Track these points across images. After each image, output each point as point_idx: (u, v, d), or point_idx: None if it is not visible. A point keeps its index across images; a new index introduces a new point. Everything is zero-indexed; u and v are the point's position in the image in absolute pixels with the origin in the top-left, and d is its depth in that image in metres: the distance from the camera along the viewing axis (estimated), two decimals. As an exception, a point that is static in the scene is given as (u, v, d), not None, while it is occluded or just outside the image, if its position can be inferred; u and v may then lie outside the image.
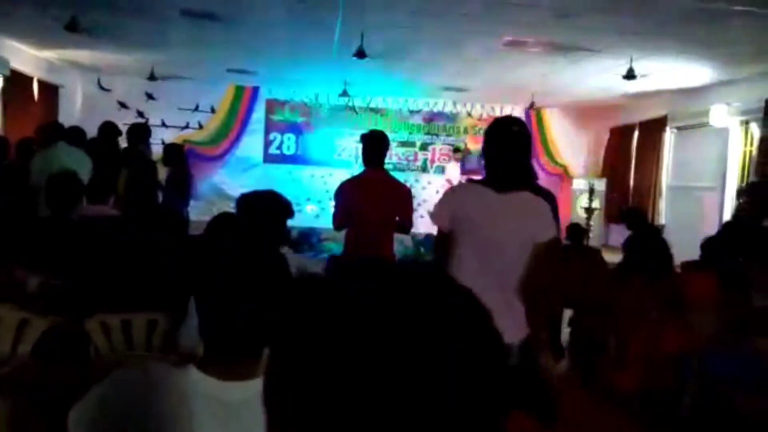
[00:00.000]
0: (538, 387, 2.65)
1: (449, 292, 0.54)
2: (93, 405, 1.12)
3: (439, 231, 2.42)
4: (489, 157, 2.36)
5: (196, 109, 10.57)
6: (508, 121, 2.43)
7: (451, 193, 2.56)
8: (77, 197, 3.03)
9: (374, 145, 3.85)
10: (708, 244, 4.21)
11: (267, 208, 2.16)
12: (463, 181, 8.11)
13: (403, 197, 3.86)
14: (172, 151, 6.75)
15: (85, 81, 10.25)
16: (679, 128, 9.06)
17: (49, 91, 8.98)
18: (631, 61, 6.83)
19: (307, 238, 7.35)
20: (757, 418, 3.09)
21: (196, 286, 1.19)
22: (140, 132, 6.20)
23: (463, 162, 11.11)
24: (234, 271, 1.16)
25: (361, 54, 6.62)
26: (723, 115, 7.88)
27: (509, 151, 2.28)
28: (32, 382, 1.99)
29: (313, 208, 10.64)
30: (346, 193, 3.81)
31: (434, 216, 2.42)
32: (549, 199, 2.58)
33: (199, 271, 1.20)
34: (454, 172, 10.51)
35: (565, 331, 5.29)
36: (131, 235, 2.67)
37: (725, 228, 5.58)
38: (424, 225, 9.79)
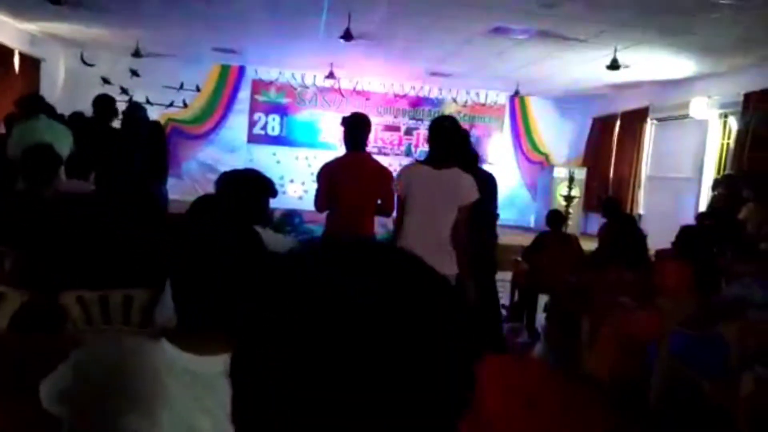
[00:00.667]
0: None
1: (426, 279, 0.54)
2: (64, 375, 1.15)
3: (398, 197, 3.34)
4: (429, 144, 3.33)
5: (181, 87, 10.47)
6: (443, 118, 3.56)
7: (405, 170, 3.42)
8: (53, 171, 3.00)
9: (356, 128, 3.86)
10: (683, 234, 4.31)
11: (246, 187, 2.19)
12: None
13: (385, 180, 3.87)
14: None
15: (68, 55, 10.11)
16: (659, 119, 9.16)
17: (31, 64, 8.85)
18: (615, 51, 6.89)
19: (290, 220, 7.36)
20: (722, 402, 3.20)
21: (170, 261, 1.22)
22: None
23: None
24: (206, 247, 1.19)
25: (348, 36, 6.61)
26: (703, 107, 7.98)
27: (442, 140, 3.22)
28: (9, 355, 2.01)
29: (297, 189, 10.64)
30: (327, 174, 3.81)
31: (395, 186, 3.35)
32: (489, 179, 3.70)
33: (173, 247, 1.23)
34: None
35: (541, 316, 5.40)
36: (106, 210, 2.68)
37: (700, 218, 5.70)
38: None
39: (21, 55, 8.49)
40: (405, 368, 0.49)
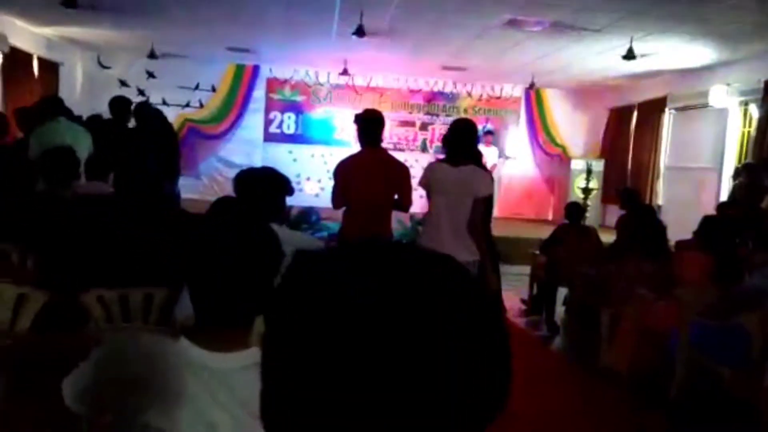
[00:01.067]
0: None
1: (455, 280, 0.52)
2: (85, 374, 1.17)
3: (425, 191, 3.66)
4: (448, 144, 3.64)
5: (197, 87, 10.56)
6: (461, 121, 3.83)
7: (429, 167, 3.74)
8: (73, 173, 3.05)
9: (370, 124, 3.85)
10: (704, 224, 4.25)
11: (263, 185, 2.20)
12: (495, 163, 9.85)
13: (402, 175, 3.83)
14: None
15: (85, 58, 10.24)
16: (678, 109, 9.04)
17: (49, 68, 8.97)
18: (631, 41, 6.81)
19: (307, 217, 7.39)
20: (744, 393, 3.16)
21: (188, 260, 1.23)
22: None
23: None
24: (222, 245, 1.21)
25: (360, 32, 6.61)
26: (722, 95, 7.86)
27: (459, 140, 3.58)
28: (32, 355, 2.05)
29: (313, 186, 10.68)
30: (343, 172, 3.80)
31: (421, 181, 3.64)
32: (487, 173, 3.92)
33: (191, 246, 1.24)
34: (491, 156, 10.39)
35: (560, 310, 5.37)
36: (124, 211, 2.71)
37: (721, 208, 5.62)
38: (421, 205, 9.89)
39: (39, 59, 8.61)
40: (423, 370, 0.47)
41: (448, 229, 3.44)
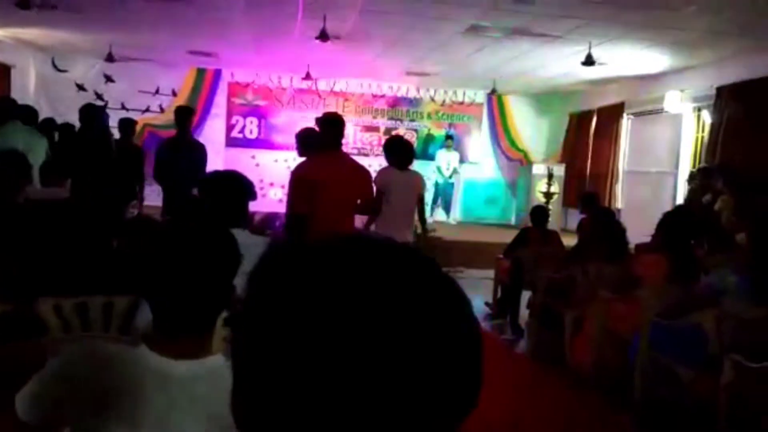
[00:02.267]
0: None
1: (429, 275, 0.52)
2: (40, 386, 1.13)
3: (377, 192, 4.13)
4: (395, 154, 4.38)
5: (157, 92, 10.36)
6: (397, 137, 5.33)
7: (383, 171, 4.37)
8: (23, 177, 2.94)
9: (332, 127, 3.82)
10: (662, 224, 4.34)
11: (227, 189, 2.16)
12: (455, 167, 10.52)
13: (365, 177, 3.90)
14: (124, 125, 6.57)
15: (39, 61, 9.93)
16: (635, 114, 9.28)
17: (0, 71, 8.68)
18: (590, 47, 6.95)
19: (270, 223, 7.31)
20: (703, 391, 3.23)
21: (145, 265, 1.20)
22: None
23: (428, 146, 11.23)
24: (178, 250, 1.18)
25: (324, 36, 6.58)
26: (677, 101, 8.10)
27: (403, 151, 4.46)
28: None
29: (276, 192, 10.58)
30: (305, 175, 3.73)
31: (376, 181, 4.17)
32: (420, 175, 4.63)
33: (147, 251, 1.21)
34: (445, 159, 10.49)
35: (525, 313, 5.42)
36: (82, 217, 2.63)
37: (676, 211, 5.76)
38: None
39: (-10, 61, 8.33)
40: (410, 367, 0.47)
41: (401, 220, 4.29)
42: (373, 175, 4.24)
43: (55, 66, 9.97)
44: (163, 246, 1.19)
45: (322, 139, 3.81)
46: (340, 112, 10.98)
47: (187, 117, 5.98)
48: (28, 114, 5.32)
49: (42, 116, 6.69)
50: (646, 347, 3.47)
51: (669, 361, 3.37)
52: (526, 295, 5.37)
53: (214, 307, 1.20)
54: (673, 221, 4.31)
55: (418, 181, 4.50)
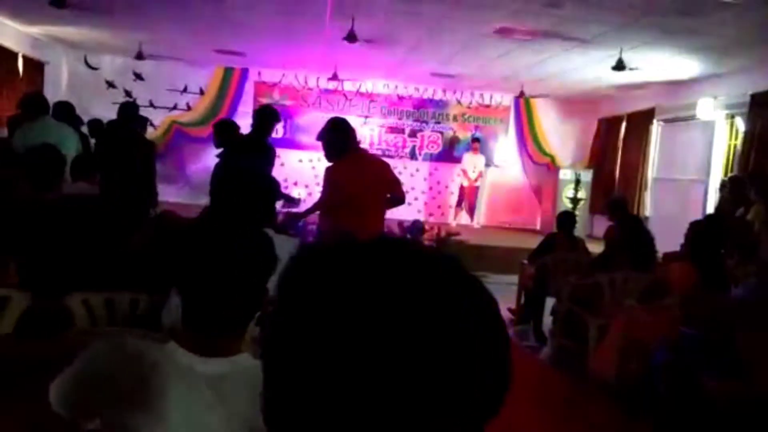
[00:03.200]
0: None
1: (458, 281, 0.53)
2: (72, 377, 1.14)
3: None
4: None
5: (185, 90, 10.48)
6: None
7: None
8: (58, 173, 2.98)
9: (344, 131, 3.88)
10: (690, 233, 4.26)
11: (254, 187, 2.17)
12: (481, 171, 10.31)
13: (388, 170, 3.98)
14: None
15: (71, 58, 10.12)
16: (666, 120, 9.12)
17: (34, 67, 8.87)
18: (621, 52, 6.86)
19: (293, 222, 7.32)
20: (725, 401, 3.16)
21: (179, 265, 1.20)
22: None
23: (452, 149, 11.19)
24: (216, 250, 1.18)
25: (351, 38, 6.59)
26: (709, 108, 7.94)
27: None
28: (15, 359, 1.99)
29: (301, 192, 10.62)
30: (336, 174, 3.83)
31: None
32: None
33: (181, 250, 1.21)
34: (471, 163, 10.46)
35: (548, 320, 5.36)
36: (111, 213, 2.66)
37: (707, 220, 5.65)
38: (410, 212, 9.89)
39: (24, 58, 8.50)
40: (439, 367, 0.49)
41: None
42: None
43: (87, 63, 10.15)
44: (199, 246, 1.19)
45: (339, 146, 3.82)
46: (365, 113, 11.04)
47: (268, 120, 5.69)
48: (64, 109, 5.41)
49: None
50: (672, 357, 3.39)
51: (695, 372, 3.30)
52: (550, 302, 5.32)
53: (248, 308, 1.20)
54: (702, 230, 4.22)
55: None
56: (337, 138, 3.86)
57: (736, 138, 7.70)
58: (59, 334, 2.26)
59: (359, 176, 3.78)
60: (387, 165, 4.06)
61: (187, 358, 1.15)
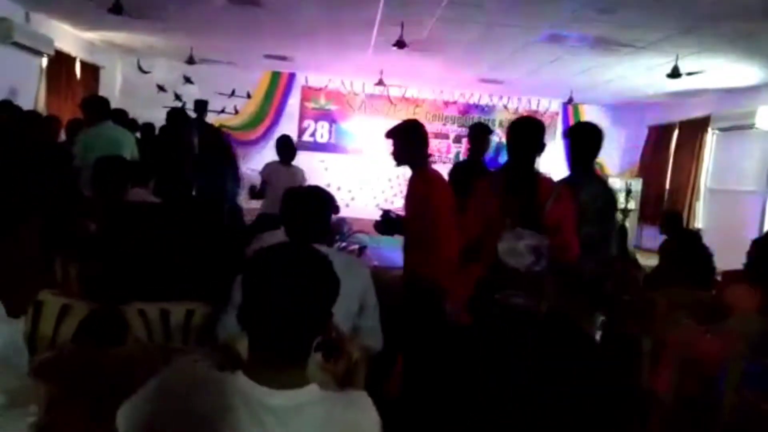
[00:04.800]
0: None
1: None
2: (141, 403, 1.14)
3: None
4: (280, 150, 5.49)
5: (233, 94, 10.64)
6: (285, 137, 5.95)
7: (267, 165, 5.56)
8: (124, 183, 3.03)
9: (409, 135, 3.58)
10: (753, 251, 4.07)
11: (311, 205, 2.15)
12: None
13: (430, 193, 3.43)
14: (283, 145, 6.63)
15: (125, 62, 10.39)
16: (722, 129, 8.81)
17: (91, 71, 9.12)
18: (677, 59, 6.65)
19: (338, 228, 7.35)
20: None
21: (246, 297, 1.19)
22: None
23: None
24: (283, 283, 1.16)
25: (400, 44, 6.57)
26: (770, 117, 7.64)
27: (287, 148, 5.81)
28: (74, 366, 2.02)
29: (344, 196, 10.67)
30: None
31: (262, 175, 5.58)
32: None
33: (248, 283, 1.19)
34: None
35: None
36: (169, 222, 2.69)
37: (768, 236, 5.40)
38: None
39: (81, 62, 8.76)
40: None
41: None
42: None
43: (140, 67, 10.41)
44: (266, 278, 1.17)
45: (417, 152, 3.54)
46: (410, 118, 10.98)
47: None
48: (122, 115, 5.54)
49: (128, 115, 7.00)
50: (735, 383, 3.25)
51: (760, 400, 3.15)
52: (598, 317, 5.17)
53: (312, 335, 1.18)
54: (765, 248, 4.03)
55: (299, 174, 5.78)
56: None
57: (799, 149, 7.38)
58: (117, 342, 2.29)
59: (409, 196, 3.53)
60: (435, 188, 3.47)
61: (256, 390, 1.14)
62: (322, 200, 2.16)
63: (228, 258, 2.67)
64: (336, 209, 2.11)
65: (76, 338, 2.19)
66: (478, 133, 5.13)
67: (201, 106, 7.53)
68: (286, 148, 5.80)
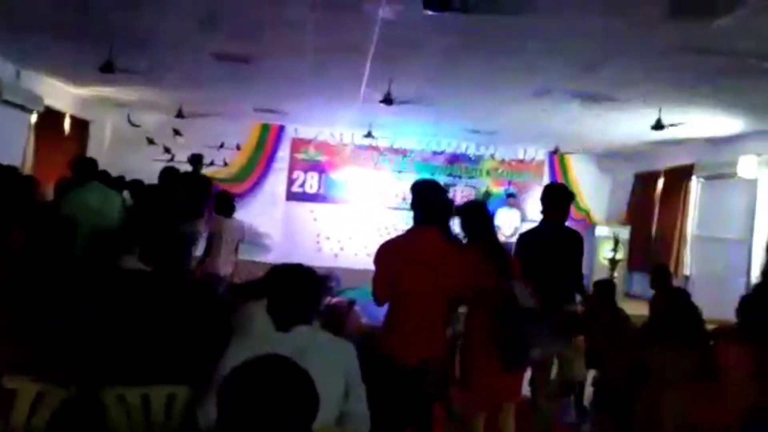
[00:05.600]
0: None
1: None
2: None
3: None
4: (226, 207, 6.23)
5: (222, 146, 10.68)
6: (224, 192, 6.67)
7: (214, 218, 6.39)
8: (115, 252, 2.96)
9: (427, 197, 3.30)
10: (742, 308, 4.05)
11: (300, 288, 2.10)
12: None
13: (456, 263, 3.20)
14: (224, 200, 6.67)
15: (115, 116, 10.42)
16: (706, 177, 8.91)
17: (80, 126, 9.15)
18: (660, 112, 6.77)
19: (326, 283, 7.27)
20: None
21: (221, 411, 1.15)
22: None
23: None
24: (255, 405, 1.13)
25: (388, 101, 6.65)
26: (752, 166, 7.74)
27: (227, 204, 6.61)
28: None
29: (333, 246, 10.65)
30: (385, 257, 3.17)
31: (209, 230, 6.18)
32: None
33: (226, 394, 1.16)
34: (512, 219, 10.39)
35: (589, 391, 5.14)
36: (151, 296, 2.61)
37: (758, 290, 5.40)
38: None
39: (71, 117, 8.79)
40: None
41: (226, 256, 6.20)
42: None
43: (130, 121, 10.45)
44: (239, 395, 1.14)
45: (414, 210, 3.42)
46: (398, 168, 11.07)
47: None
48: (104, 176, 5.51)
49: (115, 169, 6.97)
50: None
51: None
52: (590, 373, 5.11)
53: None
54: (755, 305, 4.02)
55: (240, 226, 6.50)
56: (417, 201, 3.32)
57: (782, 197, 7.46)
58: (94, 429, 2.21)
59: (420, 259, 3.22)
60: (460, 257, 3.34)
61: None
62: (311, 283, 2.11)
63: (214, 335, 2.62)
64: (329, 291, 2.06)
65: (50, 427, 2.11)
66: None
67: (196, 159, 7.68)
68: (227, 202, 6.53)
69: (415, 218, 3.33)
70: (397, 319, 3.19)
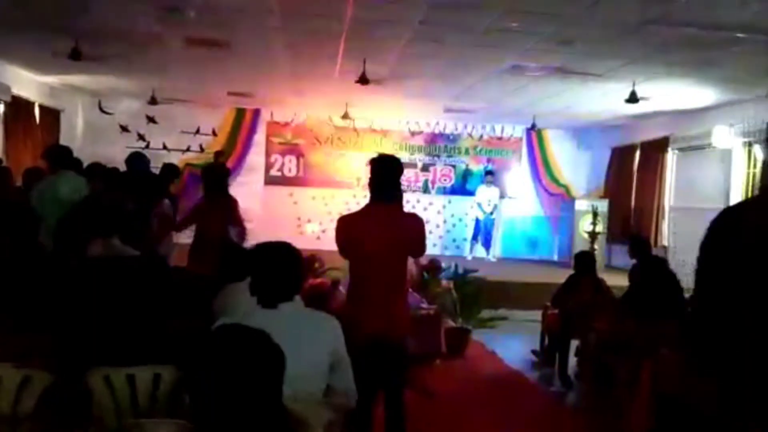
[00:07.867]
0: None
1: None
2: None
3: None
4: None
5: (197, 132, 10.55)
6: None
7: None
8: (85, 238, 2.91)
9: (382, 172, 3.19)
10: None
11: (281, 264, 2.09)
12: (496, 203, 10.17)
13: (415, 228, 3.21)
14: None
15: (86, 104, 10.24)
16: (681, 149, 9.03)
17: (50, 115, 8.96)
18: (634, 85, 6.82)
19: (311, 266, 7.25)
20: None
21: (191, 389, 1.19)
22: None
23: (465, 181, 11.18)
24: (219, 374, 1.15)
25: (363, 80, 6.61)
26: (725, 136, 7.85)
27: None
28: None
29: (314, 229, 10.61)
30: (345, 227, 3.19)
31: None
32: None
33: (197, 377, 1.19)
34: (485, 195, 10.40)
35: (573, 361, 5.23)
36: (129, 278, 2.58)
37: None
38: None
39: (41, 106, 8.60)
40: None
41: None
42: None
43: (101, 109, 10.26)
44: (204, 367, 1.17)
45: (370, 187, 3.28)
46: (377, 149, 11.02)
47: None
48: (77, 164, 5.39)
49: (88, 157, 6.80)
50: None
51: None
52: (574, 343, 5.19)
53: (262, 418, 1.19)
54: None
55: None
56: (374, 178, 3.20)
57: (755, 166, 7.58)
58: (80, 414, 2.19)
59: (380, 227, 3.17)
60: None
61: None
62: (294, 260, 2.10)
63: (197, 314, 2.60)
64: (314, 272, 2.05)
65: (36, 413, 2.08)
66: None
67: (172, 171, 6.82)
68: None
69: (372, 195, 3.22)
70: (356, 290, 3.18)
